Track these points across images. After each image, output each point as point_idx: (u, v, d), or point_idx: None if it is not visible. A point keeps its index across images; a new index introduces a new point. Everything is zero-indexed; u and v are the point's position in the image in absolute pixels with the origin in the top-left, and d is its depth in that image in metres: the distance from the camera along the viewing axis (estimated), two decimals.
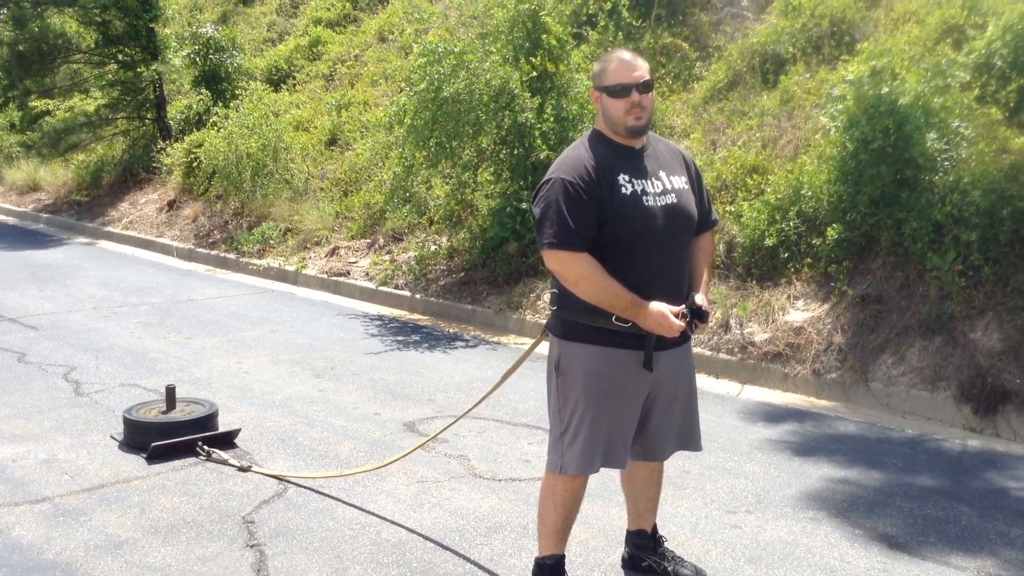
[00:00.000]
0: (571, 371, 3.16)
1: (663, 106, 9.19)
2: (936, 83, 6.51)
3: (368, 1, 15.56)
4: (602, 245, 3.05)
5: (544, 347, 3.36)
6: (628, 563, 3.62)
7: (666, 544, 3.61)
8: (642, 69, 3.13)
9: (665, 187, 3.17)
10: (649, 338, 3.09)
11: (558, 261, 3.06)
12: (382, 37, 14.21)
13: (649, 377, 3.15)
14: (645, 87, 3.12)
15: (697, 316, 3.14)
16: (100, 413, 5.50)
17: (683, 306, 3.11)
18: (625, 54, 3.16)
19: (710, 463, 4.82)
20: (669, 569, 3.50)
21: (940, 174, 6.31)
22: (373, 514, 4.13)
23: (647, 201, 3.10)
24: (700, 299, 3.19)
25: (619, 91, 3.10)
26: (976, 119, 6.42)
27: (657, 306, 3.03)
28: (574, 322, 3.14)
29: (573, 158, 3.13)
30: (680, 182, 3.23)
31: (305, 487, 4.43)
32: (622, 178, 3.09)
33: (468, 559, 3.71)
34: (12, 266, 10.71)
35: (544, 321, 7.55)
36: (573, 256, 3.03)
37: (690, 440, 3.43)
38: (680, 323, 3.04)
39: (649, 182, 3.14)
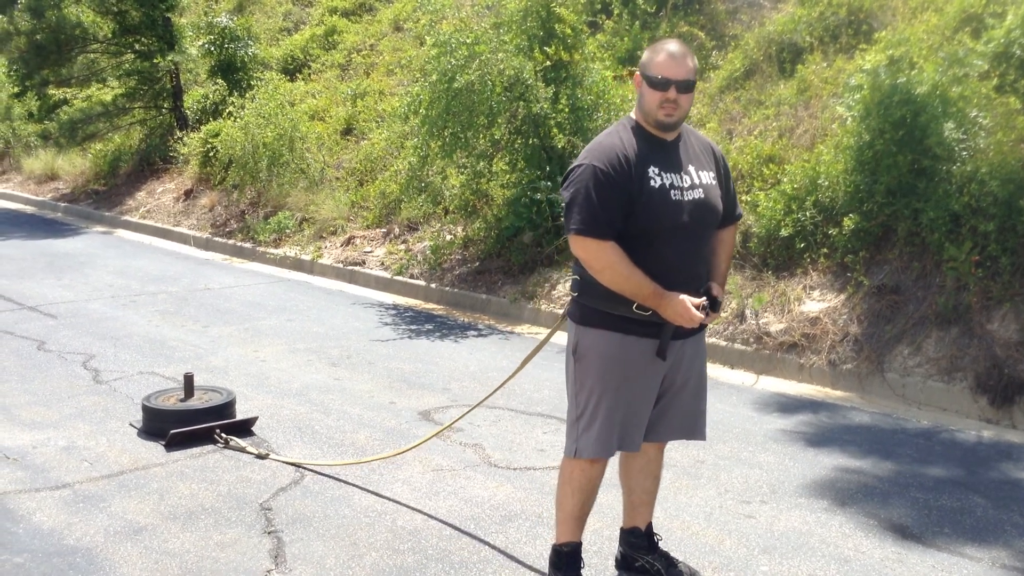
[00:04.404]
0: (588, 357, 3.18)
1: None
2: (954, 72, 6.47)
3: None
4: (626, 236, 3.05)
5: (560, 336, 3.36)
6: (621, 563, 3.56)
7: (660, 545, 3.54)
8: (688, 68, 3.08)
9: (693, 181, 3.16)
10: (666, 327, 3.11)
11: (584, 248, 3.07)
12: (397, 26, 14.21)
13: (664, 364, 3.17)
14: (686, 87, 3.08)
15: (711, 306, 3.16)
16: (119, 401, 5.56)
17: (704, 298, 3.12)
18: (677, 49, 3.10)
19: (724, 453, 4.83)
20: (663, 571, 3.43)
21: (958, 164, 6.28)
22: (389, 499, 4.16)
23: (675, 195, 3.09)
24: (716, 289, 3.22)
25: (659, 84, 3.07)
26: (994, 108, 6.37)
27: (679, 297, 3.04)
28: (594, 308, 3.16)
29: (607, 145, 3.11)
30: (708, 177, 3.22)
31: (322, 474, 4.47)
32: (652, 170, 3.08)
33: (484, 546, 3.74)
34: (31, 255, 10.80)
35: (560, 311, 7.58)
36: (600, 244, 3.03)
37: (695, 429, 3.41)
38: (700, 315, 3.06)
39: (678, 176, 3.13)
